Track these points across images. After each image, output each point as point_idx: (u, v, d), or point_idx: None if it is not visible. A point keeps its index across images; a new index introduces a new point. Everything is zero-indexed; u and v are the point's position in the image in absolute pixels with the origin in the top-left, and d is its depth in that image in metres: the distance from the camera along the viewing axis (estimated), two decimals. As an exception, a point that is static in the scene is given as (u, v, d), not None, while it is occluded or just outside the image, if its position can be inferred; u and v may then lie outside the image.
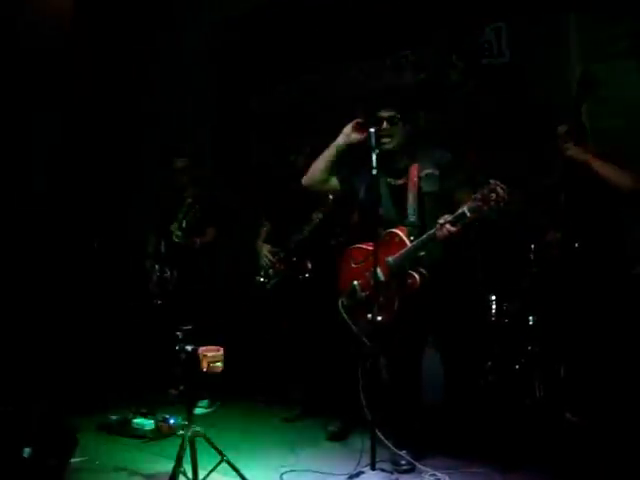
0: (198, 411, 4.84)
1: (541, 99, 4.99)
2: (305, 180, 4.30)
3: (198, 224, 5.63)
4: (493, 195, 3.43)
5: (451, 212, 3.85)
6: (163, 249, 5.68)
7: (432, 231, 3.75)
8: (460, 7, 5.47)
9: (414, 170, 4.05)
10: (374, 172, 3.85)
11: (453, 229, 3.66)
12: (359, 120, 4.07)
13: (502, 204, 3.44)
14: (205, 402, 5.41)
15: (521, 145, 5.01)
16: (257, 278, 5.17)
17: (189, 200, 5.73)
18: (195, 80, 7.16)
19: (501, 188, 3.42)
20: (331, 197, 4.72)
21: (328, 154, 4.18)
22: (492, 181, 3.44)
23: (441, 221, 3.69)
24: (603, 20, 4.84)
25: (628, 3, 4.72)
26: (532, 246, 4.58)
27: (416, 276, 3.88)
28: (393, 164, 4.11)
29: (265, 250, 5.25)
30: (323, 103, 6.33)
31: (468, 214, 3.58)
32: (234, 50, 6.98)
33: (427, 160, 4.06)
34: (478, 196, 3.50)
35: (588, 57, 4.88)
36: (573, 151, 4.08)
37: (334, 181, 4.26)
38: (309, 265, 4.91)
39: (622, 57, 4.74)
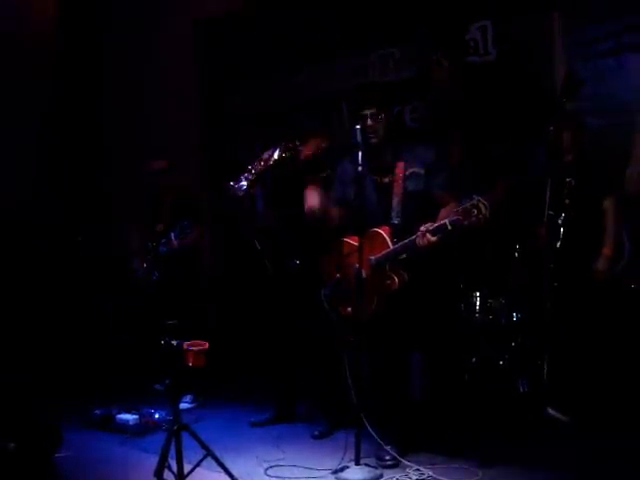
0: (182, 406, 4.85)
1: (526, 97, 5.02)
2: (306, 212, 4.38)
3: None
4: (475, 211, 3.48)
5: (434, 212, 3.88)
6: (150, 247, 5.67)
7: (413, 237, 3.78)
8: (446, 4, 5.48)
9: (400, 169, 4.07)
10: (360, 169, 3.86)
11: (433, 239, 3.69)
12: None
13: (482, 220, 3.48)
14: (189, 397, 5.41)
15: (505, 142, 5.04)
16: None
17: (169, 201, 5.75)
18: (178, 80, 7.13)
19: (483, 205, 3.46)
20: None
21: None
22: (475, 197, 3.48)
23: (422, 229, 3.72)
24: (587, 20, 4.87)
25: (611, 4, 4.76)
26: (517, 242, 4.62)
27: (395, 278, 3.91)
28: (379, 162, 4.12)
29: None
30: (308, 100, 6.34)
31: (449, 227, 3.62)
32: (217, 50, 6.95)
33: (413, 158, 4.08)
34: (460, 210, 3.54)
35: (572, 56, 4.91)
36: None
37: (334, 210, 4.32)
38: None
39: (605, 56, 4.79)
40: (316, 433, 4.58)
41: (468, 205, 3.49)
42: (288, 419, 4.91)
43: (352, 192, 4.11)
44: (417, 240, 3.74)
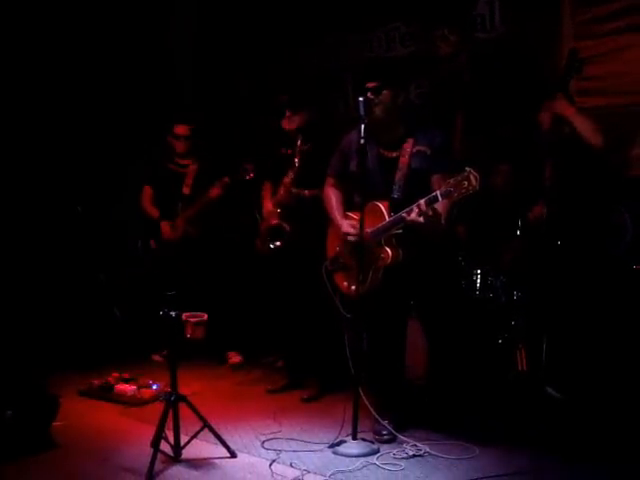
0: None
1: (532, 74, 4.97)
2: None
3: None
4: (465, 183, 3.45)
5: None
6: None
7: (403, 211, 3.77)
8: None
9: (408, 145, 4.05)
10: (362, 142, 3.83)
11: (423, 208, 3.65)
12: None
13: (472, 192, 3.46)
14: None
15: (510, 119, 5.01)
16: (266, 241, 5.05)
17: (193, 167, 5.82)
18: (182, 61, 7.09)
19: (474, 177, 3.43)
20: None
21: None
22: (467, 169, 3.46)
23: (415, 205, 3.70)
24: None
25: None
26: (518, 221, 4.61)
27: (388, 251, 3.90)
28: (388, 136, 4.10)
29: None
30: (313, 76, 6.29)
31: (440, 198, 3.60)
32: (221, 28, 6.89)
33: (422, 137, 4.05)
34: (451, 182, 3.51)
35: (580, 34, 4.86)
36: (558, 104, 4.25)
37: None
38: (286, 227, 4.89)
39: (617, 34, 4.73)
40: (305, 397, 4.67)
41: (459, 177, 3.47)
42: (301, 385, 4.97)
43: (354, 164, 4.11)
44: (405, 214, 3.73)
